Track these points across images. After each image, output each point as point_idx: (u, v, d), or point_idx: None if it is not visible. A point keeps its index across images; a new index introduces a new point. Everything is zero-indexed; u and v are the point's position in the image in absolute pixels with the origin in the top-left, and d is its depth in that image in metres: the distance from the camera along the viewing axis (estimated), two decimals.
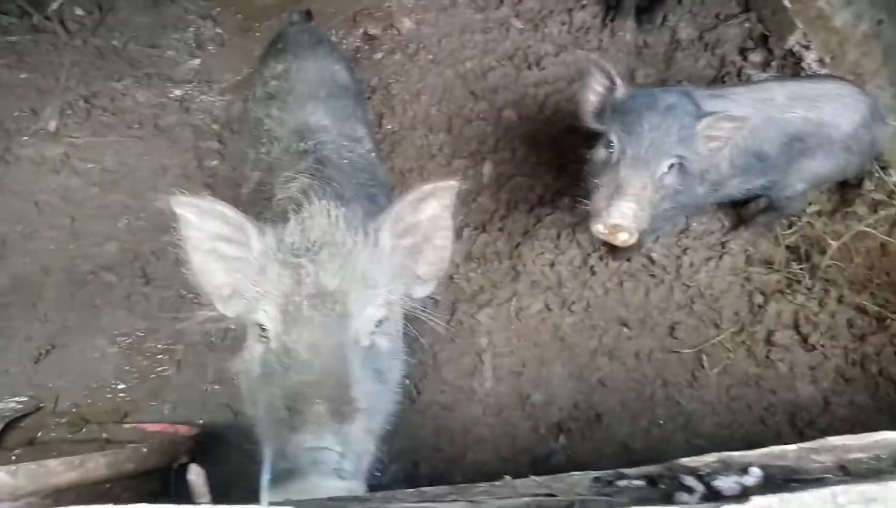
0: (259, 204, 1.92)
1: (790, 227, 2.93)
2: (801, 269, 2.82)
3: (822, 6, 3.25)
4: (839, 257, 2.81)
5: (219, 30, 3.46)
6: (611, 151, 2.18)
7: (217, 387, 2.53)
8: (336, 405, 1.28)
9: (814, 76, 3.03)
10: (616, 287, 2.83)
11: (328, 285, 1.39)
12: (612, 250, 2.88)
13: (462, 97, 3.29)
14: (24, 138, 3.02)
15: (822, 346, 2.66)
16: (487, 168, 3.09)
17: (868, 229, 2.79)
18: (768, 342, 2.68)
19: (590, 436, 2.52)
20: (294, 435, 1.25)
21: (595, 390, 2.62)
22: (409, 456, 2.44)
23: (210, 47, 3.42)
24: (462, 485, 0.98)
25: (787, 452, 0.86)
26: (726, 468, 0.83)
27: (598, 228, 2.13)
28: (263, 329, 1.41)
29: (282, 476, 1.20)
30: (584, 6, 3.51)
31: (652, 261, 2.88)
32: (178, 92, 3.27)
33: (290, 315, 1.37)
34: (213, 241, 1.51)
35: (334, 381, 1.31)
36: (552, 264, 2.88)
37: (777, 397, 2.59)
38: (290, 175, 1.86)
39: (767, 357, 2.66)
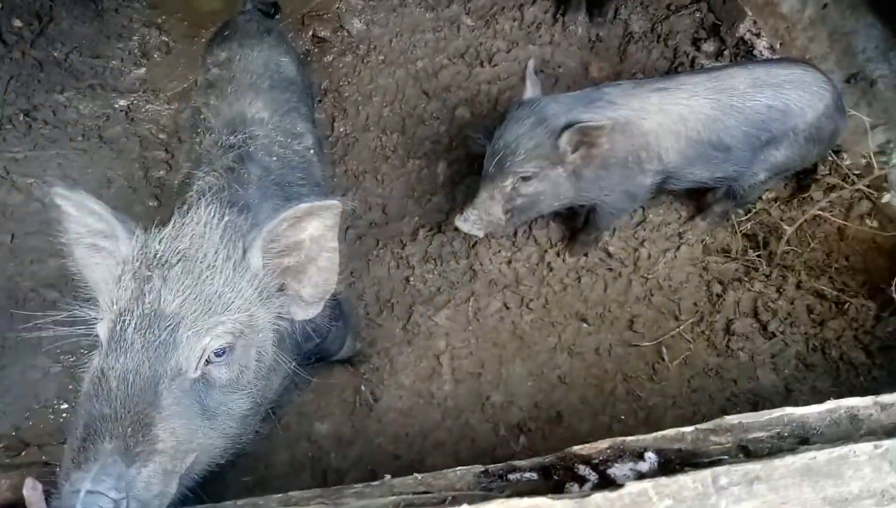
0: (180, 199, 1.85)
1: (747, 214, 2.91)
2: (758, 256, 2.80)
3: None
4: (796, 243, 2.80)
5: (164, 38, 3.38)
6: None
7: None
8: (127, 445, 1.18)
9: (779, 60, 2.94)
10: (574, 283, 2.80)
11: (165, 307, 1.29)
12: (569, 245, 2.85)
13: (415, 97, 3.24)
14: None
15: (782, 333, 2.64)
16: (442, 168, 3.05)
17: (823, 214, 2.78)
18: (728, 331, 2.66)
19: (550, 435, 2.47)
20: (74, 473, 1.15)
21: (555, 388, 2.58)
22: (366, 464, 2.38)
23: (156, 55, 3.34)
24: (333, 487, 0.94)
25: (684, 434, 0.82)
26: (620, 454, 0.79)
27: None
28: (100, 345, 1.32)
29: None
30: (534, 2, 3.48)
31: (609, 255, 2.85)
32: (123, 102, 3.19)
33: (116, 335, 1.27)
34: (93, 236, 1.45)
35: (134, 417, 1.20)
36: (509, 262, 2.84)
37: (738, 386, 2.56)
38: (207, 170, 1.79)
39: (728, 347, 2.64)
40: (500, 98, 3.23)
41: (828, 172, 2.92)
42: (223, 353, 1.34)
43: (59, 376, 2.47)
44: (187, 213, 1.45)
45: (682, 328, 2.67)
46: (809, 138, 2.47)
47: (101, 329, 1.33)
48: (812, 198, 2.90)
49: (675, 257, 2.84)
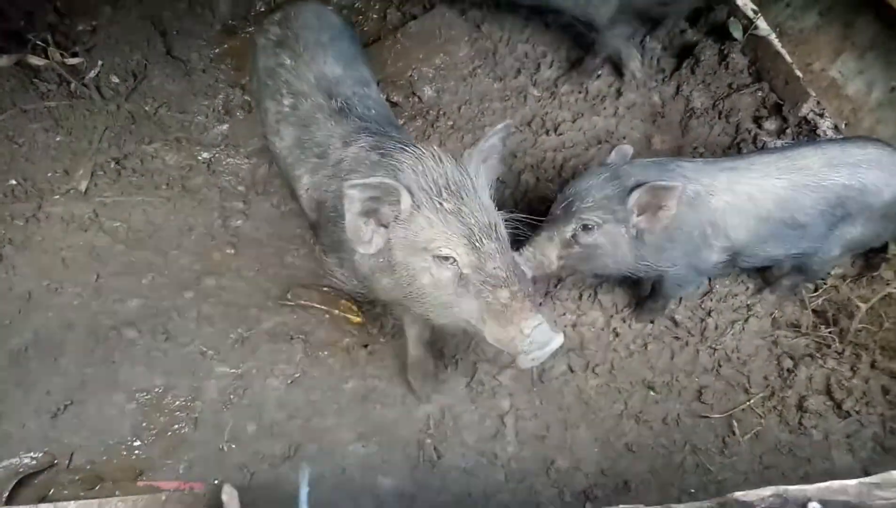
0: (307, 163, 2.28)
1: (816, 290, 2.89)
2: (829, 333, 2.77)
3: (834, 75, 3.33)
4: (869, 322, 2.76)
5: (247, 97, 3.57)
6: None
7: (234, 446, 2.47)
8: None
9: (853, 139, 2.97)
10: (640, 349, 2.78)
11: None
12: (635, 311, 2.85)
13: None
14: (56, 197, 3.09)
15: (858, 413, 2.58)
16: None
17: (893, 291, 2.75)
18: (800, 407, 2.60)
19: (617, 505, 2.41)
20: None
21: (622, 455, 2.53)
22: None
23: (238, 113, 3.52)
24: None
25: (847, 487, 0.81)
26: (784, 503, 0.78)
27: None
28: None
29: None
30: (599, 76, 3.61)
31: (676, 323, 2.84)
32: (205, 155, 3.36)
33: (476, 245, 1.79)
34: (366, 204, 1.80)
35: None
36: (574, 326, 2.84)
37: (813, 466, 2.48)
38: (345, 138, 2.19)
39: (800, 424, 2.58)
40: (565, 165, 3.32)
41: None
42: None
43: (133, 413, 2.52)
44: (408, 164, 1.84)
45: (752, 401, 2.62)
46: (886, 216, 2.48)
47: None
48: (882, 277, 2.88)
49: (744, 329, 2.82)
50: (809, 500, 0.77)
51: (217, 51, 3.75)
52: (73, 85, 3.45)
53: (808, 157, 2.40)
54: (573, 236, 2.32)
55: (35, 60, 3.51)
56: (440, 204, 1.76)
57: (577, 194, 2.30)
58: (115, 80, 3.53)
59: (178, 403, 2.56)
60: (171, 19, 3.78)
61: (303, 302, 2.84)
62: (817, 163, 2.38)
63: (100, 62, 3.54)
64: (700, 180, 2.35)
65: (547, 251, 2.35)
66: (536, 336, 1.74)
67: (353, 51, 2.63)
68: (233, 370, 2.65)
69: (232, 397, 2.58)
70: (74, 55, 3.59)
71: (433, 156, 1.81)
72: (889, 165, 2.41)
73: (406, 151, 1.88)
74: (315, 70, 2.42)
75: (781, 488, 0.82)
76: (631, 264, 2.41)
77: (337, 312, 2.84)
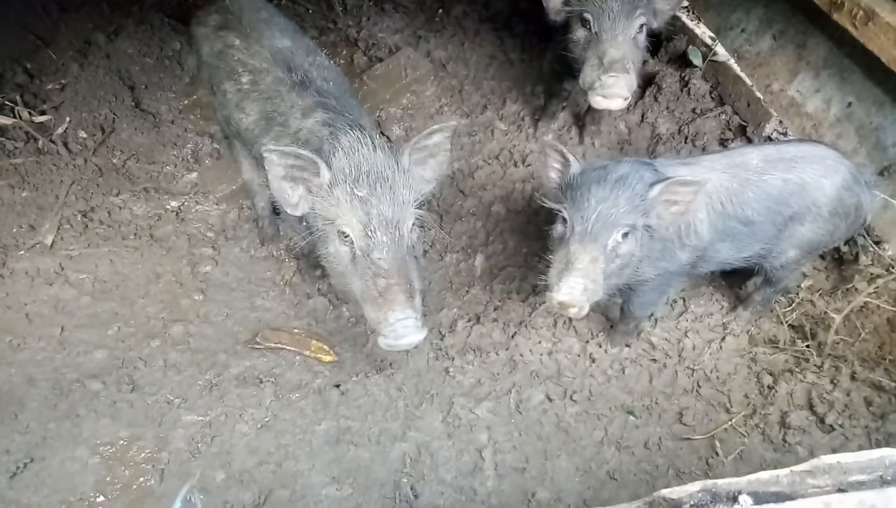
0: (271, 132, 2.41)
1: (790, 305, 2.87)
2: (807, 347, 2.73)
3: (793, 95, 3.39)
4: (846, 333, 2.73)
5: (216, 145, 3.59)
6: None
7: (202, 496, 2.38)
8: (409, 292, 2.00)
9: (791, 140, 3.02)
10: (618, 374, 2.74)
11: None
12: (610, 335, 2.82)
13: (452, 195, 3.36)
14: (21, 253, 3.05)
15: (842, 426, 2.52)
16: (479, 260, 3.10)
17: (870, 300, 2.73)
18: (783, 424, 2.55)
19: None
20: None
21: (604, 484, 2.45)
22: None
23: (207, 161, 3.53)
24: None
25: (779, 477, 0.77)
26: (713, 498, 0.74)
27: (552, 303, 2.13)
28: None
29: None
30: (564, 107, 3.66)
31: (653, 345, 2.81)
32: (174, 203, 3.35)
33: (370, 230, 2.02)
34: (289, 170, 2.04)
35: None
36: (550, 353, 2.80)
37: None
38: (304, 110, 2.34)
39: (784, 441, 2.51)
40: (534, 195, 3.33)
41: (870, 263, 2.89)
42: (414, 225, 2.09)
43: (97, 468, 2.42)
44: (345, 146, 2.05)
45: (734, 420, 2.57)
46: (834, 213, 2.46)
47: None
48: (857, 289, 2.86)
49: (721, 347, 2.78)
50: (740, 493, 0.73)
51: (186, 102, 3.78)
52: (40, 142, 3.46)
53: (746, 154, 2.42)
54: (613, 248, 2.12)
55: (2, 120, 3.53)
56: (352, 188, 1.98)
57: (603, 201, 2.09)
58: (83, 134, 3.54)
59: (143, 455, 2.47)
60: (140, 74, 3.83)
61: (273, 345, 2.79)
62: (755, 159, 2.39)
63: (67, 118, 3.56)
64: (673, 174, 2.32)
65: (596, 275, 2.08)
66: (398, 328, 1.96)
67: (292, 25, 2.82)
68: (200, 418, 2.57)
69: (200, 445, 2.50)
70: (42, 113, 3.62)
71: (369, 143, 2.05)
72: (825, 159, 2.42)
73: (349, 134, 2.09)
74: (268, 45, 2.57)
75: (710, 482, 0.78)
76: (683, 265, 2.38)
77: (308, 353, 2.78)
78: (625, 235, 2.12)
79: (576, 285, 2.05)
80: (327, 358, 2.77)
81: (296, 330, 2.87)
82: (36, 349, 2.75)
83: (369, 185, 1.98)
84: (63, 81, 3.76)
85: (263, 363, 2.76)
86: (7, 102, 3.58)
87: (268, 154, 1.98)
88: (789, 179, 2.36)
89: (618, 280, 2.27)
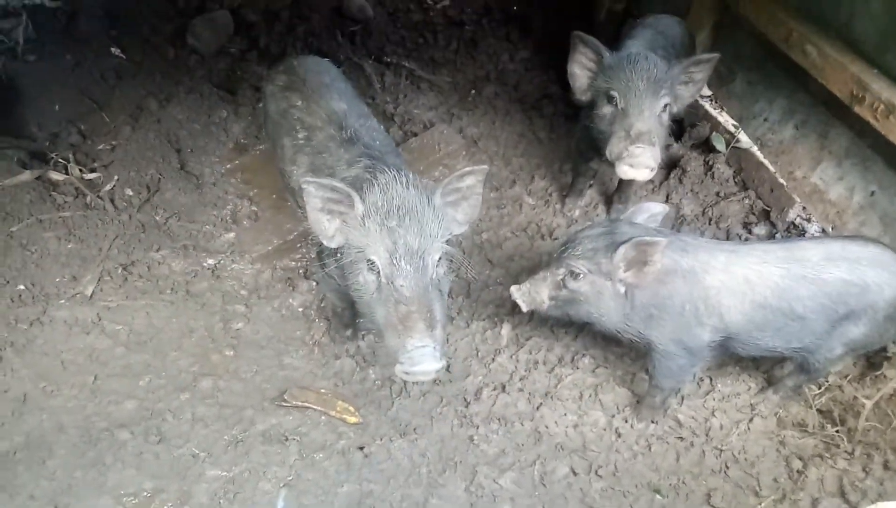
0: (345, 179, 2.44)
1: (819, 389, 2.85)
2: (836, 432, 2.70)
3: (816, 182, 3.48)
4: (877, 420, 2.70)
5: (254, 207, 3.73)
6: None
7: None
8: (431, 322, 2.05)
9: (853, 237, 2.99)
10: (644, 451, 2.71)
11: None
12: (636, 409, 2.80)
13: (480, 264, 3.43)
14: (61, 302, 3.14)
15: None
16: (506, 329, 3.13)
17: None
18: None
19: None
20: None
21: None
22: None
23: (245, 222, 3.66)
24: None
25: None
26: None
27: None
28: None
29: None
30: (591, 185, 3.78)
31: (679, 423, 2.79)
32: (211, 261, 3.45)
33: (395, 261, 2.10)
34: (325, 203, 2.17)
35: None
36: (576, 426, 2.79)
37: None
38: (350, 161, 2.49)
39: None
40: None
41: None
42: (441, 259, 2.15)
43: None
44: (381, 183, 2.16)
45: (764, 505, 2.51)
46: (888, 317, 2.45)
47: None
48: (885, 376, 2.85)
49: (749, 429, 2.75)
50: None
51: (228, 166, 3.95)
52: (88, 197, 3.62)
53: (807, 249, 2.43)
54: (562, 279, 2.45)
55: (55, 176, 3.71)
56: (384, 219, 2.08)
57: (571, 241, 2.46)
58: (129, 192, 3.71)
59: (166, 507, 2.46)
60: (187, 138, 4.03)
61: (299, 403, 2.81)
62: (816, 256, 2.39)
63: (116, 176, 3.73)
64: (697, 256, 2.39)
65: (539, 289, 2.51)
66: (415, 355, 2.00)
67: (351, 91, 3.04)
68: (224, 473, 2.57)
69: (222, 501, 2.49)
70: (93, 171, 3.81)
71: (403, 181, 2.16)
72: (890, 264, 2.41)
73: (386, 173, 2.21)
74: (325, 106, 2.76)
75: None
76: (616, 320, 2.46)
77: (334, 413, 2.80)
78: (573, 273, 2.42)
79: (522, 288, 2.57)
80: (352, 419, 2.78)
81: (322, 390, 2.90)
82: (68, 397, 2.79)
83: (399, 217, 2.07)
84: (114, 142, 3.96)
85: (289, 421, 2.78)
86: (60, 160, 3.77)
87: (306, 186, 2.10)
88: (850, 280, 2.36)
89: (574, 311, 2.53)
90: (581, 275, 2.39)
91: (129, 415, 2.74)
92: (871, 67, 2.99)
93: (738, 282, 2.37)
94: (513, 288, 2.58)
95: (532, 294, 2.52)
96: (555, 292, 2.48)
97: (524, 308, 2.57)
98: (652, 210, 2.55)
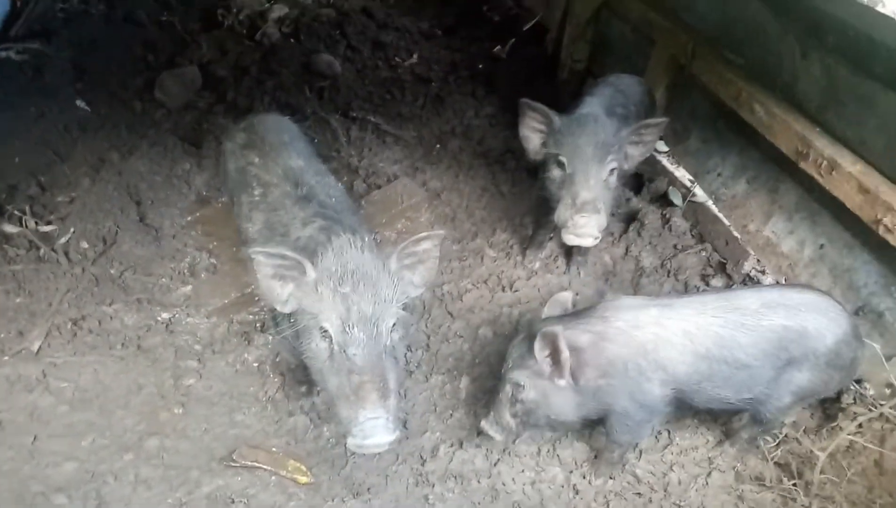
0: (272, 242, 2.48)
1: (775, 442, 2.84)
2: (794, 486, 2.68)
3: (768, 235, 3.56)
4: (833, 473, 2.69)
5: (213, 260, 3.69)
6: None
7: None
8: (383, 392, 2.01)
9: (792, 285, 3.06)
10: (603, 507, 2.65)
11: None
12: (594, 465, 2.76)
13: (440, 317, 3.41)
14: (5, 358, 3.04)
15: None
16: (465, 383, 3.09)
17: (855, 440, 2.71)
18: None
19: None
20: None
21: None
22: None
23: (203, 275, 3.61)
24: None
25: None
26: None
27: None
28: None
29: None
30: (551, 238, 3.81)
31: (637, 479, 2.74)
32: (165, 315, 3.38)
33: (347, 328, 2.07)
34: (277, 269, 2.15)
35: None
36: (534, 483, 2.73)
37: None
38: (305, 220, 2.47)
39: None
40: (521, 320, 3.39)
41: (853, 402, 2.90)
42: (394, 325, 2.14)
43: None
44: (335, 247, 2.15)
45: None
46: (830, 364, 2.47)
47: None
48: (840, 427, 2.85)
49: (707, 483, 2.72)
50: None
51: (189, 218, 3.92)
52: (42, 250, 3.55)
53: (745, 298, 2.45)
54: (513, 395, 2.45)
55: (9, 228, 3.65)
56: (336, 285, 2.05)
57: (508, 355, 2.50)
58: (85, 245, 3.64)
59: None
60: (148, 190, 4.01)
61: (248, 463, 2.72)
62: (755, 303, 2.41)
63: (72, 229, 3.68)
64: (619, 317, 2.41)
65: (502, 413, 2.50)
66: (366, 427, 1.97)
67: (309, 149, 3.06)
68: None
69: None
70: (49, 223, 3.75)
71: (358, 245, 2.15)
72: (829, 310, 2.45)
73: (341, 236, 2.19)
74: (281, 164, 2.76)
75: None
76: (572, 413, 2.44)
77: (284, 473, 2.71)
78: (517, 386, 2.44)
79: (490, 418, 2.54)
80: (304, 479, 2.69)
81: (273, 449, 2.81)
82: (3, 459, 2.66)
83: (353, 283, 2.05)
84: (73, 194, 3.92)
85: (237, 482, 2.68)
86: (16, 212, 3.71)
87: (255, 256, 2.10)
88: (790, 326, 2.38)
89: (538, 419, 2.50)
90: (522, 385, 2.41)
91: (68, 478, 2.62)
92: (814, 126, 3.11)
93: (676, 335, 2.38)
94: (482, 423, 2.58)
95: (499, 423, 2.51)
96: (513, 410, 2.47)
97: (498, 438, 2.57)
98: (561, 300, 2.65)
